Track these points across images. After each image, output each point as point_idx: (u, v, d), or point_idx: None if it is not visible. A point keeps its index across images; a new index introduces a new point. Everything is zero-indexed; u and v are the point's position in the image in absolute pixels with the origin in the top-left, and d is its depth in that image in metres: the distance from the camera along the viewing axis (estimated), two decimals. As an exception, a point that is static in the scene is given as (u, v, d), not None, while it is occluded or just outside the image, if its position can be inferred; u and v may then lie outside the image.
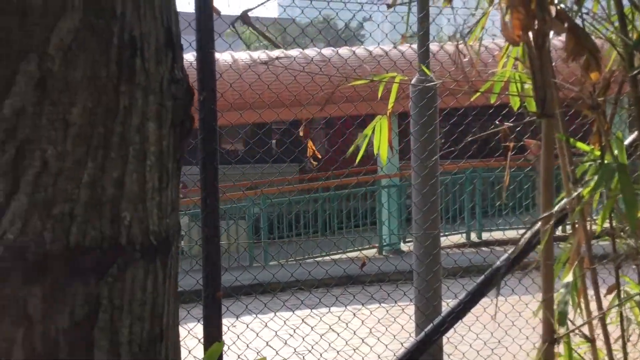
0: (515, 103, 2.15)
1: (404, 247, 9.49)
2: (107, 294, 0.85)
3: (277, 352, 4.44)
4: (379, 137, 2.43)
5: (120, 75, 0.87)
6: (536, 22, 1.36)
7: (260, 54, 9.42)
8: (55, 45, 0.81)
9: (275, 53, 9.09)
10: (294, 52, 8.51)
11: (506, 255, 3.12)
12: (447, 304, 3.30)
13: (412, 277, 4.47)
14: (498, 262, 3.08)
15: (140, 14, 0.90)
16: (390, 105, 2.39)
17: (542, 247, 1.39)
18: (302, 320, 5.00)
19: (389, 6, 1.82)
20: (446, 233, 9.05)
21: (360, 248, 8.93)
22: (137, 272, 0.89)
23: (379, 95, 2.32)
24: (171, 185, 0.99)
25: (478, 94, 2.09)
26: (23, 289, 0.79)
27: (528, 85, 2.05)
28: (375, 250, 9.29)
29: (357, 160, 2.64)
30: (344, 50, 7.73)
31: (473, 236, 9.91)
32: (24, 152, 0.80)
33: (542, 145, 1.42)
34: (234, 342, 4.47)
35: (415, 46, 4.34)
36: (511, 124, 1.93)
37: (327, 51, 8.04)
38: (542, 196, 1.38)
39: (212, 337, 2.99)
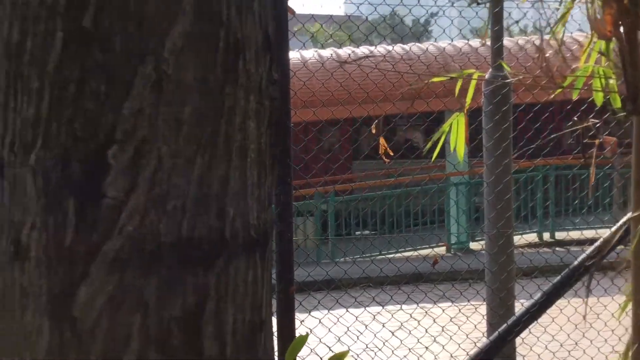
0: (598, 99, 2.10)
1: (472, 245, 9.35)
2: (214, 284, 0.89)
3: (349, 348, 4.48)
4: (456, 134, 2.42)
5: (225, 77, 0.91)
6: (628, 17, 1.34)
7: (330, 52, 9.48)
8: (169, 49, 0.86)
9: (345, 51, 9.12)
10: (364, 49, 8.51)
11: (584, 255, 3.04)
12: (522, 304, 3.25)
13: (482, 276, 4.41)
14: (576, 262, 3.01)
15: (242, 18, 0.94)
16: (467, 102, 2.37)
17: (633, 247, 1.36)
18: (374, 317, 5.01)
19: (477, 2, 1.81)
20: (520, 232, 8.86)
21: (430, 246, 8.86)
22: (239, 265, 0.93)
23: (456, 92, 2.31)
24: (268, 181, 1.03)
25: (560, 89, 2.04)
26: (140, 279, 0.85)
27: (612, 81, 2.00)
28: (444, 248, 9.19)
29: (434, 158, 2.63)
30: (415, 48, 7.68)
31: (546, 236, 9.66)
32: (142, 151, 0.86)
33: (633, 142, 1.39)
34: (305, 337, 4.52)
35: (488, 42, 4.28)
36: (596, 121, 1.88)
37: (398, 49, 8.02)
38: (633, 195, 1.35)
39: (285, 331, 3.04)
